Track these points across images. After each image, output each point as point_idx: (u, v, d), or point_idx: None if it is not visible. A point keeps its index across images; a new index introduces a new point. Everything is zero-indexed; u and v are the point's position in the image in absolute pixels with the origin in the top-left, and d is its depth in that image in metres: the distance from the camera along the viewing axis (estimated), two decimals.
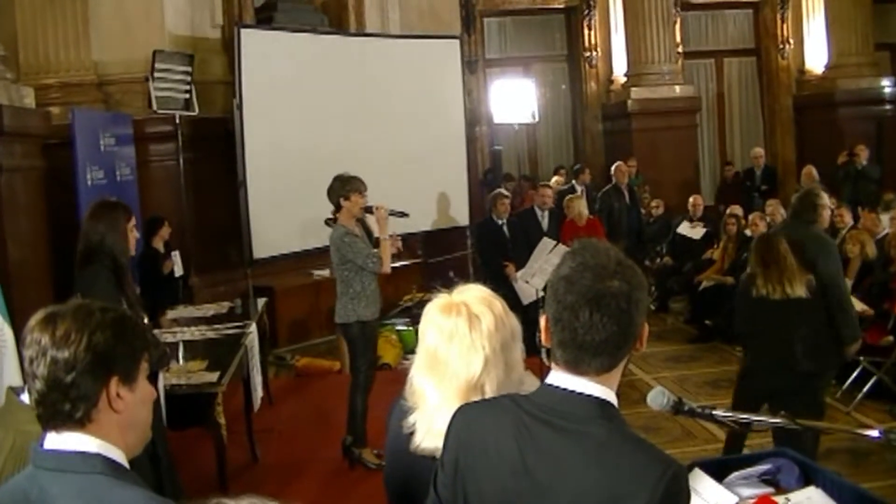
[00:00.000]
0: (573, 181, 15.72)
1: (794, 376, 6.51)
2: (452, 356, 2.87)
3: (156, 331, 8.09)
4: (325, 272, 12.16)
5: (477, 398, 2.77)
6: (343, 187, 7.93)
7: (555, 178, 16.64)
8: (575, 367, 2.33)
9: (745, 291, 6.93)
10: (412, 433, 2.94)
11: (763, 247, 6.87)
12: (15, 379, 5.55)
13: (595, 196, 14.59)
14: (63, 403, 2.30)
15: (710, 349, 11.72)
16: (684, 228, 14.14)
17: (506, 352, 2.89)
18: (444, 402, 2.80)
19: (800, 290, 6.62)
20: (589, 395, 2.33)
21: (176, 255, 10.47)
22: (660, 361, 11.09)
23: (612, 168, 14.62)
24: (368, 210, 8.12)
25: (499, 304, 2.96)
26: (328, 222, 9.11)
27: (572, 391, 2.34)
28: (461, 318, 2.88)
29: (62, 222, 9.29)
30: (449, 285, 3.10)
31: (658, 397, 2.86)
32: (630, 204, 14.35)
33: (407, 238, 11.94)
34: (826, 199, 7.46)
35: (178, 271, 10.50)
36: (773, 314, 6.65)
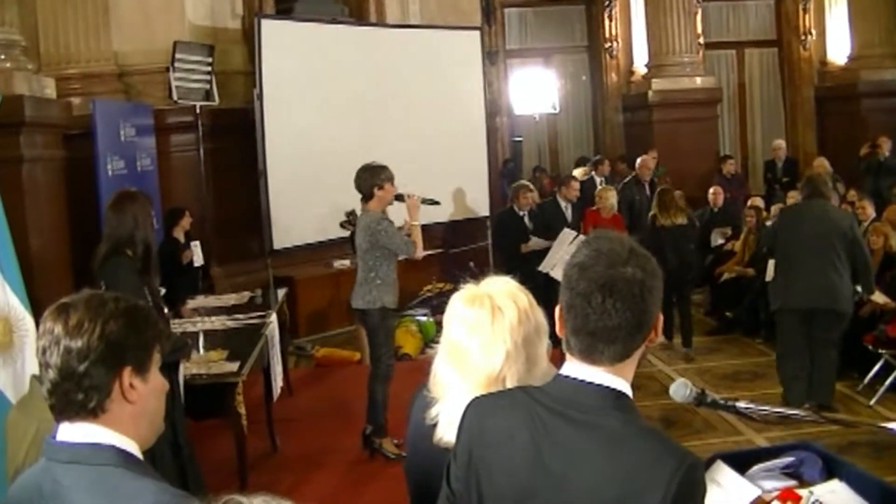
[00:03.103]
0: (592, 172, 15.66)
1: (683, 268, 10.77)
2: (473, 348, 2.85)
3: (176, 321, 8.11)
4: (346, 262, 12.20)
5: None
6: (378, 176, 7.94)
7: (580, 170, 16.54)
8: (589, 357, 2.31)
9: (652, 223, 11.21)
10: (434, 425, 2.92)
11: (661, 196, 11.36)
12: (38, 368, 5.57)
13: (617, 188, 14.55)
14: (76, 393, 2.29)
15: (731, 341, 11.68)
16: (716, 238, 13.92)
17: (528, 346, 2.86)
18: (466, 394, 2.74)
19: (681, 219, 11.09)
20: (603, 386, 2.30)
21: (196, 246, 10.48)
22: (680, 353, 11.06)
23: (637, 161, 14.54)
24: (399, 198, 8.16)
25: (524, 297, 2.93)
26: (344, 225, 9.21)
27: (586, 382, 2.32)
28: (484, 310, 2.86)
29: (82, 212, 9.33)
30: (475, 276, 3.09)
31: (680, 389, 2.85)
32: (651, 196, 14.30)
33: (427, 228, 11.95)
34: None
35: (198, 261, 10.50)
36: (667, 234, 10.85)
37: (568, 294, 2.31)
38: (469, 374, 2.86)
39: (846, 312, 8.58)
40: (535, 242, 11.52)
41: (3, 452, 4.15)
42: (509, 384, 2.80)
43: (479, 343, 2.84)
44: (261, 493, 1.50)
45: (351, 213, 10.01)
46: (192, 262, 10.34)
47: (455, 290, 3.06)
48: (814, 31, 18.83)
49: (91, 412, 2.31)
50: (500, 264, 12.11)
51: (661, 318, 2.35)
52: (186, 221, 10.53)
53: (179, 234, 10.49)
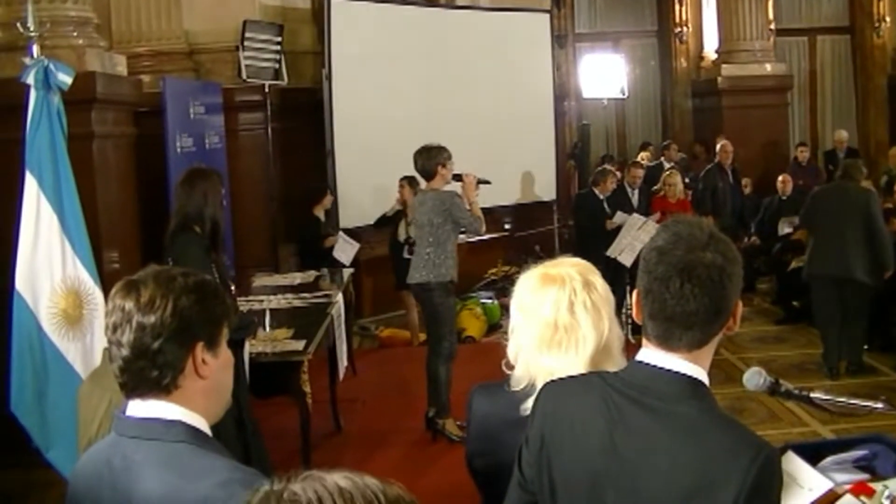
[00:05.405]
0: (661, 157, 15.59)
1: None
2: (579, 324, 2.84)
3: (242, 298, 8.18)
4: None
5: (608, 362, 2.76)
6: (441, 154, 8.17)
7: (642, 154, 16.47)
8: (666, 343, 2.28)
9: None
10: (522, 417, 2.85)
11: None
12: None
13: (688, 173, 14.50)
14: (150, 370, 2.29)
15: (797, 331, 11.54)
16: (784, 227, 13.76)
17: (613, 311, 2.90)
18: (575, 373, 2.71)
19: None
20: (680, 374, 2.27)
21: (350, 246, 10.62)
22: (746, 342, 10.96)
23: (718, 146, 14.43)
24: (457, 177, 8.30)
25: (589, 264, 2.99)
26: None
27: (662, 368, 2.28)
28: (577, 285, 2.86)
29: (151, 189, 9.40)
30: (541, 260, 3.08)
31: (754, 377, 2.82)
32: (733, 183, 14.19)
33: (493, 211, 11.96)
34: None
35: (346, 260, 10.75)
36: None
37: (646, 278, 2.28)
38: (574, 352, 2.83)
39: (868, 282, 9.44)
40: (620, 217, 11.45)
41: (75, 425, 4.19)
42: (615, 351, 2.84)
43: (583, 318, 2.84)
44: (341, 469, 1.48)
45: (408, 239, 10.28)
46: (332, 248, 10.61)
47: (520, 272, 3.05)
48: (888, 18, 18.49)
49: (164, 389, 2.31)
50: (576, 243, 12.19)
51: (741, 305, 2.31)
52: (328, 200, 10.99)
53: (320, 213, 10.91)
